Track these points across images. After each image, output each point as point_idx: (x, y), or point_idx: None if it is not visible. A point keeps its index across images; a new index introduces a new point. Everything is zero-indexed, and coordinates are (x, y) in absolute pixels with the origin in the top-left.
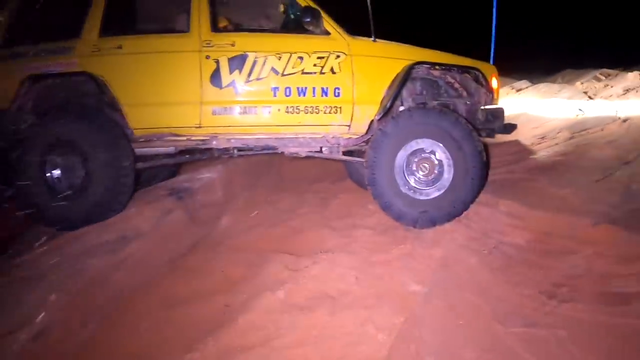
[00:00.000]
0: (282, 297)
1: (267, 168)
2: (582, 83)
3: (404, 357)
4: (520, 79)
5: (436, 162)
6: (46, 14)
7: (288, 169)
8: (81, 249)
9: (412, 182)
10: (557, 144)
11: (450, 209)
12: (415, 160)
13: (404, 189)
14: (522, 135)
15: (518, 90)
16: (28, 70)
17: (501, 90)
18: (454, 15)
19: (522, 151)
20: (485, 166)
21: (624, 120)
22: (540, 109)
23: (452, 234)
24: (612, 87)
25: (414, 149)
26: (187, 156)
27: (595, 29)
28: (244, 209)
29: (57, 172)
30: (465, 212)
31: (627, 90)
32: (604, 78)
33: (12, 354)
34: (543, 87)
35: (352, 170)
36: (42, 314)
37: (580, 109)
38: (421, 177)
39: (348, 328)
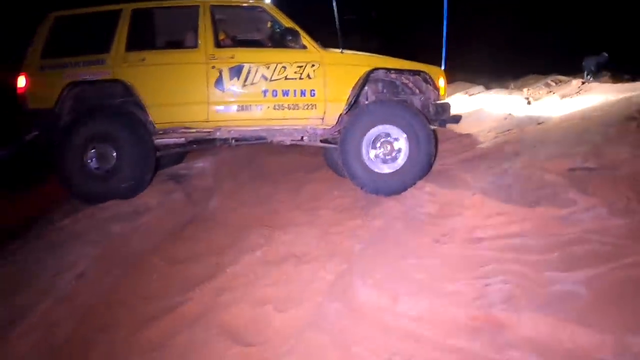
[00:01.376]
0: (259, 255)
1: (249, 161)
2: (529, 89)
3: (341, 286)
4: (487, 84)
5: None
6: (80, 32)
7: (267, 162)
8: (106, 217)
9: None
10: (483, 142)
11: (405, 182)
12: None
13: (367, 162)
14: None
15: (471, 95)
16: (69, 77)
17: (456, 95)
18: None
19: (455, 148)
20: (434, 149)
21: (539, 123)
22: (482, 113)
23: (390, 210)
24: (553, 93)
25: (380, 132)
26: (195, 146)
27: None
28: (229, 193)
29: (94, 158)
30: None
31: (563, 96)
32: (553, 84)
33: (62, 288)
34: (494, 92)
35: (328, 157)
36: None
37: (509, 113)
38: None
39: (306, 274)
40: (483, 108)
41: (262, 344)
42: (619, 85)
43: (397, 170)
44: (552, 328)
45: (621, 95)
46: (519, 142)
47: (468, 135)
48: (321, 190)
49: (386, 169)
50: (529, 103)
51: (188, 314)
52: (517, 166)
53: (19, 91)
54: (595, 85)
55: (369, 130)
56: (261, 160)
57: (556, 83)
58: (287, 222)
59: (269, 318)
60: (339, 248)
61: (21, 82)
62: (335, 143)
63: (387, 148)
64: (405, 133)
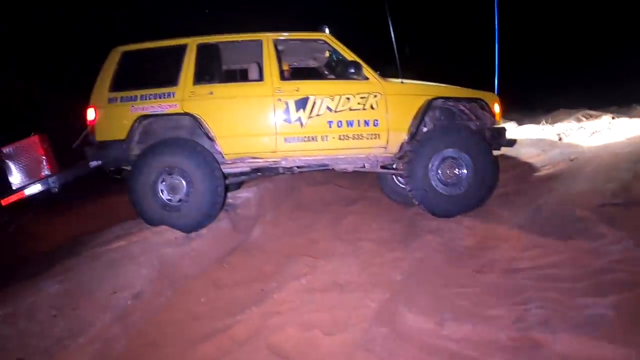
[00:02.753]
0: (304, 283)
1: (289, 191)
2: (561, 125)
3: (387, 312)
4: (520, 119)
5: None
6: (146, 65)
7: (306, 192)
8: (160, 241)
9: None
10: (516, 177)
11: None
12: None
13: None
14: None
15: None
16: (140, 110)
17: None
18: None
19: None
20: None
21: (571, 160)
22: (516, 149)
23: (430, 242)
24: (584, 128)
25: (446, 156)
26: (259, 173)
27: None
28: (272, 222)
29: (166, 189)
30: (439, 227)
31: (594, 133)
32: (584, 119)
33: (119, 306)
34: (526, 128)
35: (384, 184)
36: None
37: (542, 150)
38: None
39: (351, 301)
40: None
41: None
42: None
43: (459, 194)
44: (584, 345)
45: None
46: (553, 179)
47: (503, 172)
48: (360, 222)
49: (449, 192)
50: (560, 139)
51: (237, 335)
52: (551, 202)
53: (88, 123)
54: (625, 120)
55: (435, 155)
56: (301, 190)
57: (586, 118)
58: (329, 252)
59: (316, 341)
60: (381, 278)
61: (90, 114)
62: (394, 168)
63: (452, 172)
64: (471, 158)
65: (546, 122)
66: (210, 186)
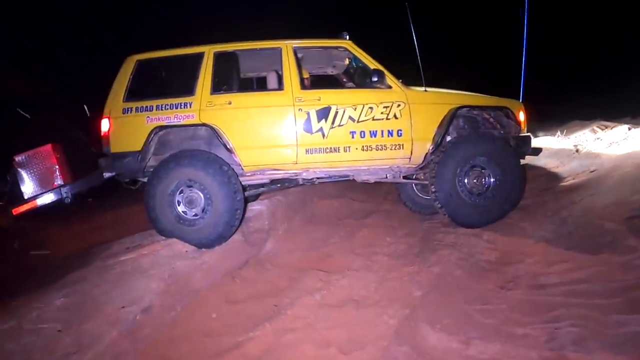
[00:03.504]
0: (319, 299)
1: (302, 204)
2: (576, 137)
3: (407, 330)
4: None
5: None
6: (161, 74)
7: (319, 206)
8: (171, 254)
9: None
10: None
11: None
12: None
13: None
14: None
15: None
16: (156, 121)
17: None
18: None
19: None
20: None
21: (591, 171)
22: (534, 160)
23: (448, 257)
24: (601, 140)
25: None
26: (279, 185)
27: None
28: (284, 236)
29: (183, 202)
30: (456, 241)
31: (611, 144)
32: (600, 130)
33: (128, 320)
34: (542, 140)
35: (403, 194)
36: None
37: (560, 162)
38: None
39: (368, 317)
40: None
41: None
42: None
43: (484, 204)
44: None
45: None
46: (574, 190)
47: None
48: (374, 236)
49: (474, 201)
50: (577, 151)
51: (251, 352)
52: (575, 214)
53: (103, 135)
54: None
55: (466, 160)
56: (313, 204)
57: (602, 129)
58: (343, 267)
59: (334, 359)
60: (398, 293)
61: (105, 125)
62: (415, 178)
63: (479, 181)
64: (500, 170)
65: (562, 134)
66: (231, 208)
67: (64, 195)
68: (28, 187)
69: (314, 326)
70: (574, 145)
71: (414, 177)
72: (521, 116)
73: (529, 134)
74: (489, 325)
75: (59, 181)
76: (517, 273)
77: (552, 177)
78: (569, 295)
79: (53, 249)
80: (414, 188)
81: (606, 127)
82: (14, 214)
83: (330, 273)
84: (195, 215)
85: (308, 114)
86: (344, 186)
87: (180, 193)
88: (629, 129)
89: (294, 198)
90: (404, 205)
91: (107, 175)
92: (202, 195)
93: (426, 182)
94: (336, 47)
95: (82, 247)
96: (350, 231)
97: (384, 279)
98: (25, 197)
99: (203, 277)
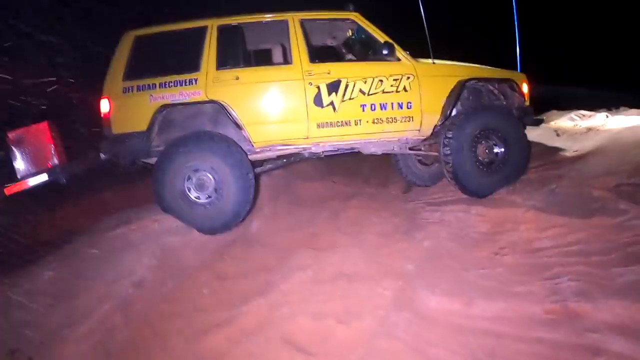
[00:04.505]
0: (310, 274)
1: (286, 187)
2: (555, 123)
3: (405, 298)
4: None
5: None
6: (162, 50)
7: (303, 188)
8: (160, 230)
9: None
10: None
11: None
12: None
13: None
14: None
15: None
16: (160, 99)
17: None
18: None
19: None
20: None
21: (575, 151)
22: None
23: (437, 232)
24: (580, 126)
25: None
26: (284, 160)
27: None
28: (270, 217)
29: (193, 185)
30: (444, 218)
31: (590, 129)
32: (578, 118)
33: (119, 295)
34: None
35: (404, 165)
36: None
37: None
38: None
39: (362, 290)
40: None
41: (329, 354)
42: None
43: (495, 171)
44: (629, 310)
45: None
46: (560, 167)
47: None
48: (360, 216)
49: (483, 169)
50: (558, 135)
51: (246, 326)
52: (564, 185)
53: (103, 116)
54: (619, 118)
55: (472, 135)
56: (297, 186)
57: (580, 117)
58: (331, 245)
59: (331, 330)
60: (389, 268)
61: (105, 106)
62: (419, 149)
63: (490, 150)
64: (507, 137)
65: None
66: (244, 185)
67: (59, 176)
68: (21, 165)
69: (308, 300)
70: (555, 131)
71: (419, 148)
72: (524, 88)
73: (530, 105)
74: (488, 287)
75: (54, 161)
76: (510, 240)
77: (535, 156)
78: (565, 255)
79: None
80: (416, 162)
81: (584, 116)
82: (7, 193)
83: (319, 250)
84: (208, 197)
85: (318, 87)
86: (326, 169)
87: (189, 179)
88: (607, 116)
89: (277, 180)
90: (401, 175)
91: (104, 157)
92: (212, 177)
93: (434, 154)
94: (343, 20)
95: (71, 227)
96: (335, 212)
97: (373, 255)
98: (19, 177)
99: (193, 253)
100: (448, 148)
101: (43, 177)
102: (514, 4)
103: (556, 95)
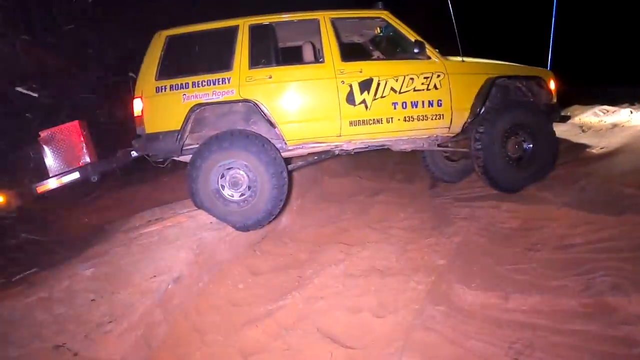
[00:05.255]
0: (342, 269)
1: (313, 182)
2: (579, 119)
3: (439, 292)
4: None
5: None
6: (194, 50)
7: (329, 184)
8: (195, 225)
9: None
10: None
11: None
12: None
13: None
14: None
15: None
16: (193, 98)
17: None
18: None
19: None
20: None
21: (601, 148)
22: None
23: (467, 228)
24: (604, 122)
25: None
26: (315, 157)
27: None
28: (299, 212)
29: (228, 183)
30: (473, 214)
31: (615, 125)
32: (601, 114)
33: (159, 290)
34: None
35: (431, 161)
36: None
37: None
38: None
39: (395, 285)
40: None
41: (367, 346)
42: None
43: (524, 167)
44: None
45: None
46: (587, 164)
47: None
48: (387, 212)
49: (512, 165)
50: (583, 131)
51: (284, 319)
52: (594, 183)
53: (136, 115)
54: None
55: (503, 130)
56: (324, 182)
57: (604, 113)
58: (361, 240)
59: (368, 323)
60: (421, 263)
61: (137, 106)
62: (446, 145)
63: (519, 146)
64: (536, 133)
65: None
66: (278, 183)
67: (90, 173)
68: (53, 164)
69: (342, 294)
70: (580, 127)
71: (447, 145)
72: (552, 85)
73: (556, 102)
74: (523, 281)
75: (85, 159)
76: (542, 236)
77: (562, 153)
78: (597, 252)
79: (71, 225)
80: (442, 155)
81: (608, 111)
82: (38, 192)
83: (349, 245)
84: (242, 195)
85: (350, 86)
86: (351, 165)
87: (222, 177)
88: (631, 112)
89: (305, 176)
90: (428, 171)
91: (135, 154)
92: (246, 175)
93: (462, 150)
94: (373, 18)
95: (96, 224)
96: (363, 208)
97: (403, 250)
98: (50, 175)
99: (227, 249)
100: (479, 143)
101: (74, 175)
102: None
103: (577, 91)
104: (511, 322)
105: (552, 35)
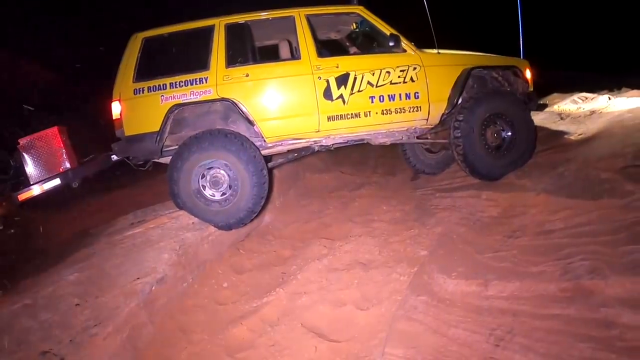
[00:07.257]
0: (326, 263)
1: (295, 179)
2: (558, 106)
3: (421, 283)
4: None
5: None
6: (170, 50)
7: (311, 180)
8: (178, 226)
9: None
10: None
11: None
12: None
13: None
14: None
15: None
16: (171, 99)
17: None
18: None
19: None
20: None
21: (579, 134)
22: None
23: (448, 218)
24: (583, 109)
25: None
26: (295, 154)
27: None
28: (281, 209)
29: (208, 182)
30: (454, 204)
31: (593, 111)
32: (580, 101)
33: (143, 292)
34: None
35: (411, 154)
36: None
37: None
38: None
39: (378, 277)
40: None
41: (351, 339)
42: None
43: (503, 155)
44: (638, 285)
45: None
46: (566, 150)
47: None
48: (369, 205)
49: (494, 154)
50: (562, 119)
51: (269, 316)
52: (572, 168)
53: (114, 118)
54: (621, 100)
55: (482, 119)
56: (305, 178)
57: (582, 100)
58: (344, 234)
59: (352, 316)
60: (403, 254)
61: (116, 109)
62: (426, 137)
63: (498, 135)
64: (515, 122)
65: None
66: (258, 181)
67: (71, 179)
68: (33, 171)
69: (326, 288)
70: (558, 114)
71: (426, 137)
72: (527, 74)
73: (533, 91)
74: (503, 268)
75: (66, 165)
76: (522, 223)
77: (541, 140)
78: (576, 236)
79: (54, 232)
80: (422, 148)
81: (586, 98)
82: (19, 200)
83: (332, 240)
84: (223, 194)
85: (327, 81)
86: (332, 161)
87: (203, 177)
88: (609, 98)
89: (286, 173)
90: (409, 164)
91: (115, 158)
92: (227, 174)
93: (441, 141)
94: (349, 14)
95: (83, 229)
96: (345, 202)
97: (386, 242)
98: (31, 182)
99: (210, 248)
100: (459, 131)
101: (55, 182)
102: None
103: (556, 79)
104: (492, 309)
105: (520, 23)
